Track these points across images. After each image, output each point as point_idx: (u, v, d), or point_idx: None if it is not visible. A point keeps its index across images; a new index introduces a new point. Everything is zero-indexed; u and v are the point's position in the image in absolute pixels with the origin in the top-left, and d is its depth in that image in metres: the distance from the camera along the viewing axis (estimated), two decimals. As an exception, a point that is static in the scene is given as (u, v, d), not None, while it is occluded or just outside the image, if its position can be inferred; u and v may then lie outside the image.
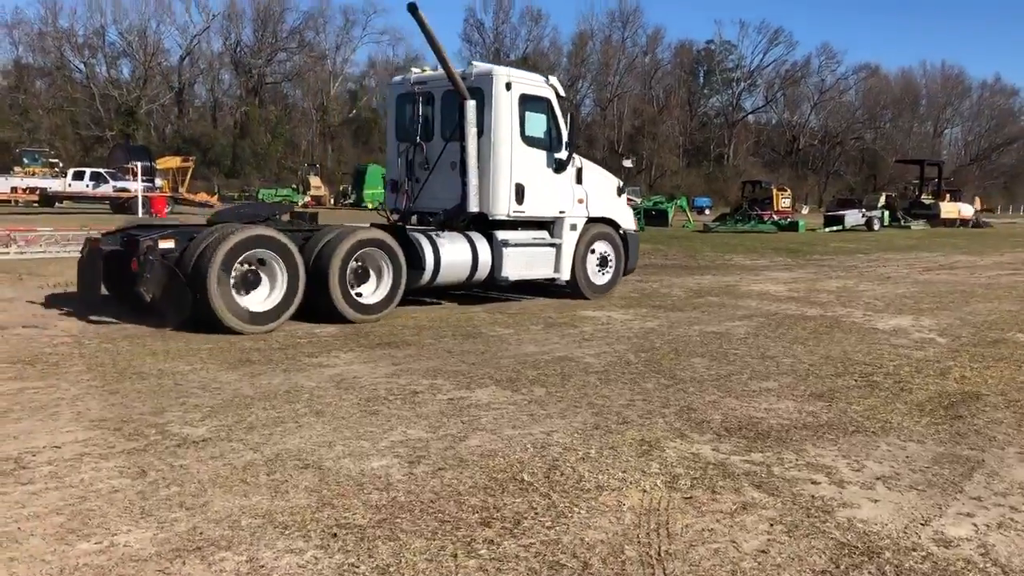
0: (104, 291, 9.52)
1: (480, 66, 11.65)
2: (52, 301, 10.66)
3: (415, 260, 10.40)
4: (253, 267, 9.02)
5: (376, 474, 4.60)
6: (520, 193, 11.30)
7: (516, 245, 11.31)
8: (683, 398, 6.50)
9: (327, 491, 4.32)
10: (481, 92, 11.11)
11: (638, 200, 45.26)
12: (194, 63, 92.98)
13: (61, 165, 51.23)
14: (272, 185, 71.39)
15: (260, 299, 9.06)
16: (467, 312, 10.92)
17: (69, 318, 9.46)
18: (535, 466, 4.80)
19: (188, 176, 53.51)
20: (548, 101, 11.69)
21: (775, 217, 41.07)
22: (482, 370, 7.36)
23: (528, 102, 11.44)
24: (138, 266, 8.57)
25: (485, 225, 11.31)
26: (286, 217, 10.88)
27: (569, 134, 11.86)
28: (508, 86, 11.15)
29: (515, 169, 11.24)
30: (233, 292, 8.76)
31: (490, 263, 11.12)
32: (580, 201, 12.15)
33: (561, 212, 11.94)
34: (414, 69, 12.50)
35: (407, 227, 10.97)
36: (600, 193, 12.56)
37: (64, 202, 41.68)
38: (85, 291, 9.74)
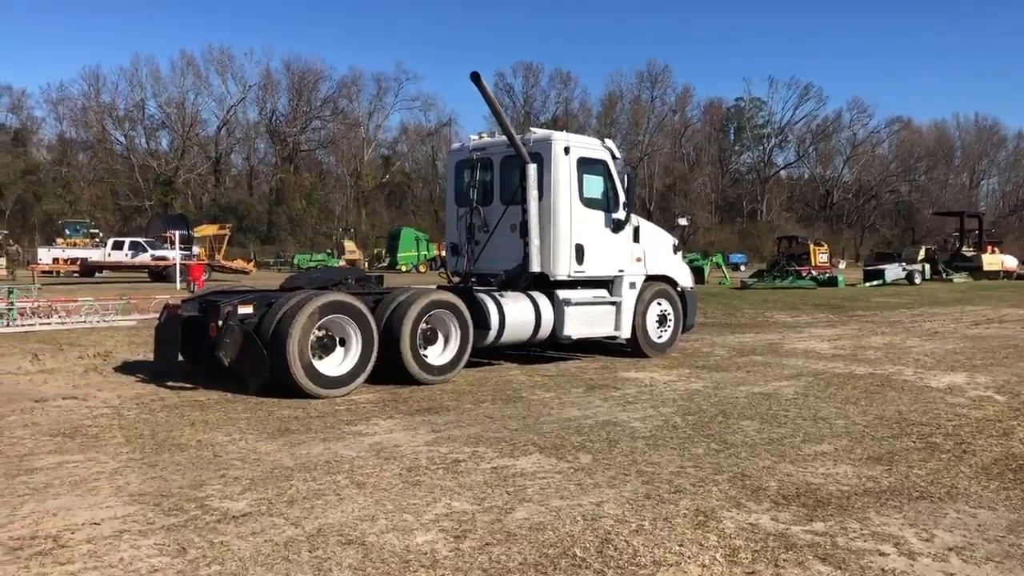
0: (180, 357, 9.86)
1: (539, 132, 12.02)
2: (91, 371, 10.69)
3: (481, 320, 10.60)
4: (330, 332, 9.18)
5: (421, 550, 4.42)
6: (580, 253, 11.66)
7: (577, 304, 11.58)
8: (736, 464, 6.25)
9: (371, 569, 4.15)
10: (540, 156, 11.51)
11: None
12: (231, 133, 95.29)
13: (101, 235, 52.33)
14: (307, 250, 72.28)
15: (336, 363, 9.19)
16: (505, 375, 10.76)
17: (108, 389, 9.45)
18: (587, 540, 4.59)
19: (225, 243, 54.35)
20: (605, 163, 12.07)
21: (813, 272, 40.59)
22: (525, 436, 7.17)
23: (586, 165, 11.82)
24: (217, 331, 8.83)
25: (546, 285, 11.57)
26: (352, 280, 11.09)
27: (627, 194, 12.18)
28: (567, 150, 11.58)
29: (575, 230, 11.62)
30: (311, 357, 8.87)
31: (552, 322, 11.38)
32: (638, 259, 12.47)
33: (620, 271, 12.22)
34: (472, 136, 12.87)
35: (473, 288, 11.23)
36: (657, 251, 12.89)
37: (104, 271, 42.45)
38: (161, 357, 9.99)
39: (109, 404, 8.56)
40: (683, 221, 15.80)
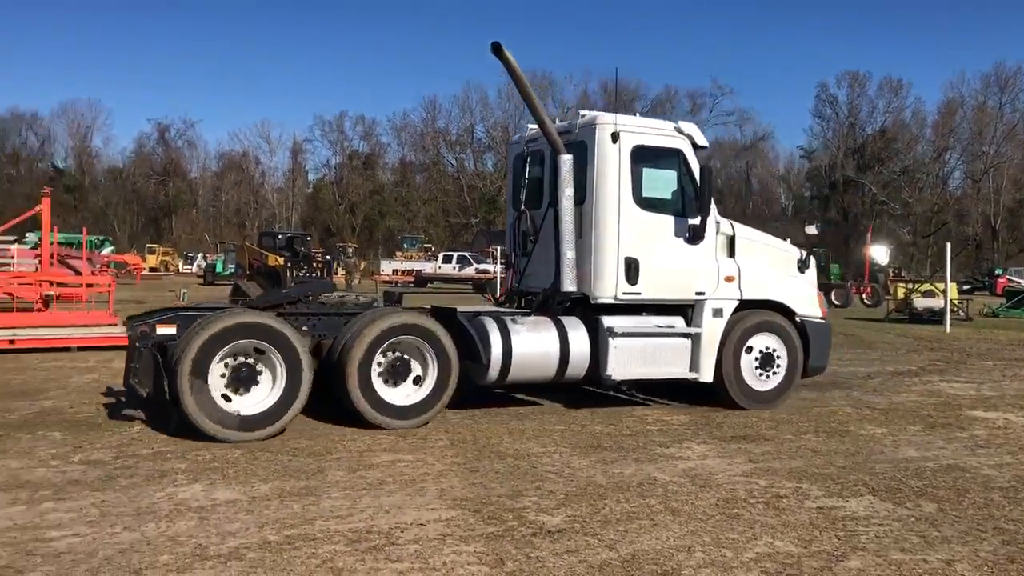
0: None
1: (586, 115, 9.48)
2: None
3: (472, 351, 8.41)
4: (247, 361, 7.36)
5: (742, 592, 4.12)
6: (632, 269, 8.96)
7: (627, 335, 8.85)
8: (1126, 532, 5.21)
9: (689, 606, 3.92)
10: (584, 146, 9.16)
11: None
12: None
13: (433, 249, 57.10)
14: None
15: (257, 400, 7.36)
16: (828, 405, 9.96)
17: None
18: (936, 604, 4.01)
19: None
20: (679, 154, 9.30)
21: None
22: (854, 475, 6.54)
23: (645, 156, 9.17)
24: (129, 355, 7.62)
25: (595, 310, 9.06)
26: (335, 296, 9.37)
27: (702, 194, 9.15)
28: (615, 136, 8.95)
29: (625, 239, 8.95)
30: (212, 392, 7.14)
31: (587, 357, 8.79)
32: (729, 279, 9.44)
33: (699, 293, 9.31)
34: (531, 125, 9.96)
35: (461, 310, 8.84)
36: (762, 269, 9.74)
37: (434, 282, 46.21)
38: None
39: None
40: (811, 230, 11.10)
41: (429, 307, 9.01)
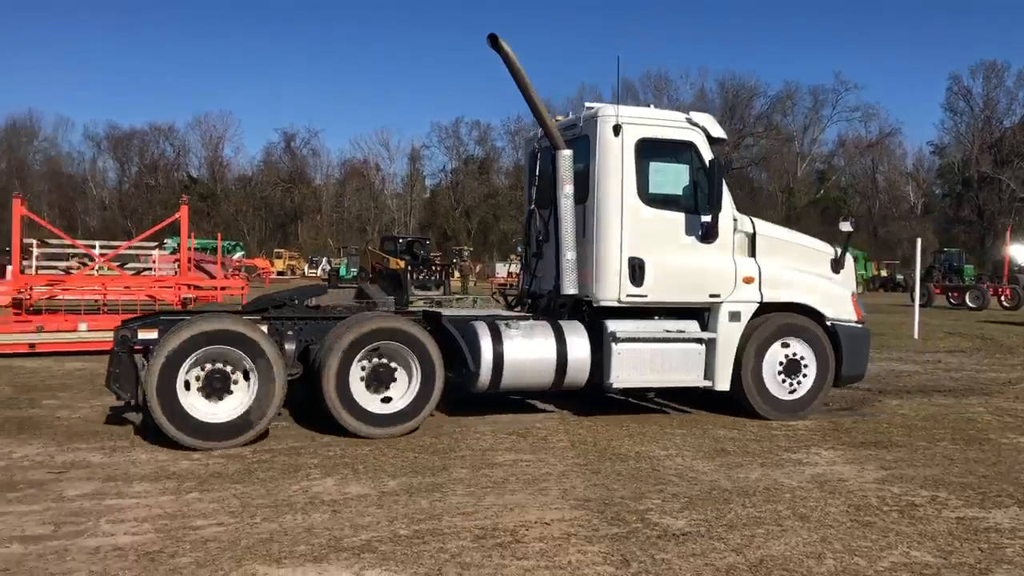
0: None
1: (591, 107, 8.92)
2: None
3: (459, 357, 8.10)
4: (219, 366, 7.14)
5: (878, 602, 3.99)
6: (637, 270, 8.44)
7: (632, 340, 8.36)
8: None
9: (821, 614, 3.83)
10: (588, 140, 8.74)
11: None
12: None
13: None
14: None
15: (230, 408, 7.14)
16: (965, 412, 9.50)
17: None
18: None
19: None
20: (691, 147, 8.74)
21: None
22: (997, 485, 6.22)
23: (653, 149, 8.65)
24: (110, 360, 7.46)
25: (602, 314, 8.59)
26: (323, 300, 9.12)
27: (712, 190, 8.55)
28: (617, 129, 8.44)
29: (628, 238, 8.45)
30: (181, 399, 6.93)
31: (587, 363, 8.32)
32: (748, 280, 8.78)
33: (714, 296, 8.70)
34: (558, 118, 9.54)
35: (447, 314, 8.59)
36: (787, 269, 9.01)
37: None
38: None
39: (558, 407, 9.16)
40: (845, 226, 9.50)
41: (420, 312, 8.74)
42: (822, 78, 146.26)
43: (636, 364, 8.36)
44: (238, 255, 46.76)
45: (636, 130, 8.53)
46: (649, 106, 8.94)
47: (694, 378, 8.59)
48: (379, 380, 7.64)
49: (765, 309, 8.85)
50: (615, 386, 8.38)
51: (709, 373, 8.61)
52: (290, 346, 7.62)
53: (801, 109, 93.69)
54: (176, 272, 19.02)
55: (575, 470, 6.48)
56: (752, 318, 8.76)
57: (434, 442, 7.35)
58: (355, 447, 7.09)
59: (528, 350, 8.16)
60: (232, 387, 7.15)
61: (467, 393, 8.28)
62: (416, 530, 4.95)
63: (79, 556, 4.46)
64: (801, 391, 8.90)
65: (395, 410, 7.62)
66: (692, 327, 8.68)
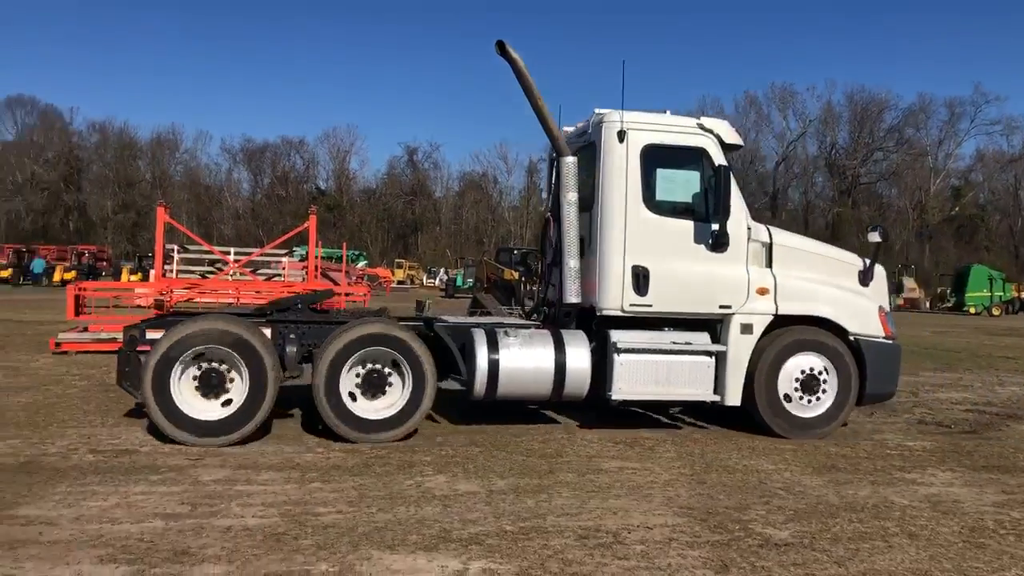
0: None
1: (598, 113, 8.67)
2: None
3: (453, 365, 8.09)
4: (215, 367, 7.36)
5: (984, 620, 3.94)
6: (641, 279, 8.19)
7: (635, 351, 8.10)
8: None
9: (922, 628, 3.82)
10: (594, 146, 8.59)
11: None
12: (789, 168, 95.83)
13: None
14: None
15: (217, 407, 7.33)
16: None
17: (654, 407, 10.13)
18: None
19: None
20: (702, 153, 8.45)
21: None
22: None
23: (662, 156, 8.46)
24: (119, 359, 7.70)
25: (607, 323, 8.34)
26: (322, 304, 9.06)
27: (719, 198, 8.24)
28: (621, 135, 8.24)
29: (632, 245, 8.22)
30: (174, 397, 7.18)
31: (588, 373, 8.09)
32: (762, 292, 8.42)
33: (724, 307, 8.38)
34: (566, 128, 9.40)
35: (447, 320, 8.55)
36: (806, 281, 8.62)
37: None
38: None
39: (669, 417, 9.21)
40: (874, 237, 8.49)
41: (422, 319, 8.60)
42: (959, 90, 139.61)
43: (638, 376, 8.14)
44: (361, 264, 48.34)
45: (642, 136, 8.37)
46: (665, 112, 8.79)
47: (702, 392, 8.31)
48: (372, 385, 7.68)
49: (783, 322, 8.53)
50: (615, 398, 8.14)
51: (719, 387, 8.33)
52: (292, 349, 7.77)
53: (936, 122, 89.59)
54: (304, 279, 19.92)
55: (680, 479, 6.55)
56: (768, 331, 8.47)
57: (542, 447, 7.56)
58: (466, 448, 7.37)
59: (525, 359, 8.02)
60: (228, 385, 7.37)
61: (577, 404, 8.38)
62: (521, 527, 5.16)
63: (212, 534, 4.86)
64: (819, 408, 8.53)
65: (384, 416, 7.63)
66: (702, 339, 8.39)
